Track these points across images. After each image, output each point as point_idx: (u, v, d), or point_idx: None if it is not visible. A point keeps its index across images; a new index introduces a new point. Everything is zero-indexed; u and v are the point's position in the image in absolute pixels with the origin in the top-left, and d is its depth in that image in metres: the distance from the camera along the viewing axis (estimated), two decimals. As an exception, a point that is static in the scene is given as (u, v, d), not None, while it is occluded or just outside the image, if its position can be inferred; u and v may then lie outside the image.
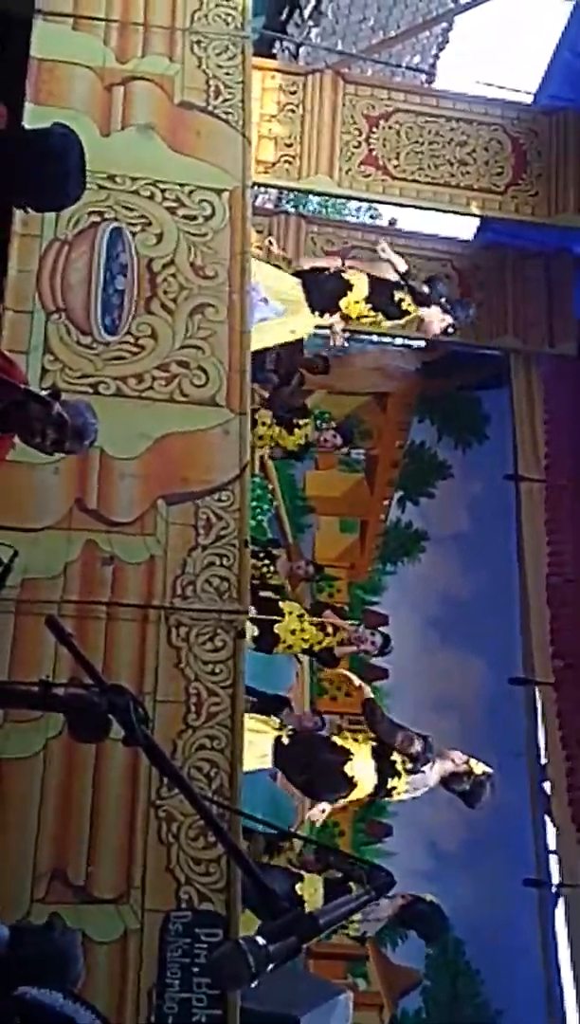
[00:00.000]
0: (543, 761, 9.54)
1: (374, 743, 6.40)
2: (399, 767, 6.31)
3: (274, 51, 11.46)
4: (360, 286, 7.50)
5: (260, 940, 2.06)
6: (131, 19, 5.96)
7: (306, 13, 11.67)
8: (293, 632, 7.83)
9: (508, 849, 9.51)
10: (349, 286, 7.47)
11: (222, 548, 5.12)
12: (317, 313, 7.41)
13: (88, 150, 3.54)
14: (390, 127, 8.60)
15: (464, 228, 10.77)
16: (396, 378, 10.88)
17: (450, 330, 7.83)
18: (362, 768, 6.26)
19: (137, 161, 5.68)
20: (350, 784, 6.27)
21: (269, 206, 11.04)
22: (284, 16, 11.73)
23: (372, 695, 6.90)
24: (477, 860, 9.44)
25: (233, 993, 4.23)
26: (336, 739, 6.53)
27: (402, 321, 7.80)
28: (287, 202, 13.18)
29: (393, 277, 7.55)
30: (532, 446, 10.09)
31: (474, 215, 9.50)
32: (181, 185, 5.72)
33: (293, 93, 8.67)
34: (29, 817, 4.40)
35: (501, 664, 9.80)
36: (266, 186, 9.61)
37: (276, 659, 8.77)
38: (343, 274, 7.51)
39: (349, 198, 11.33)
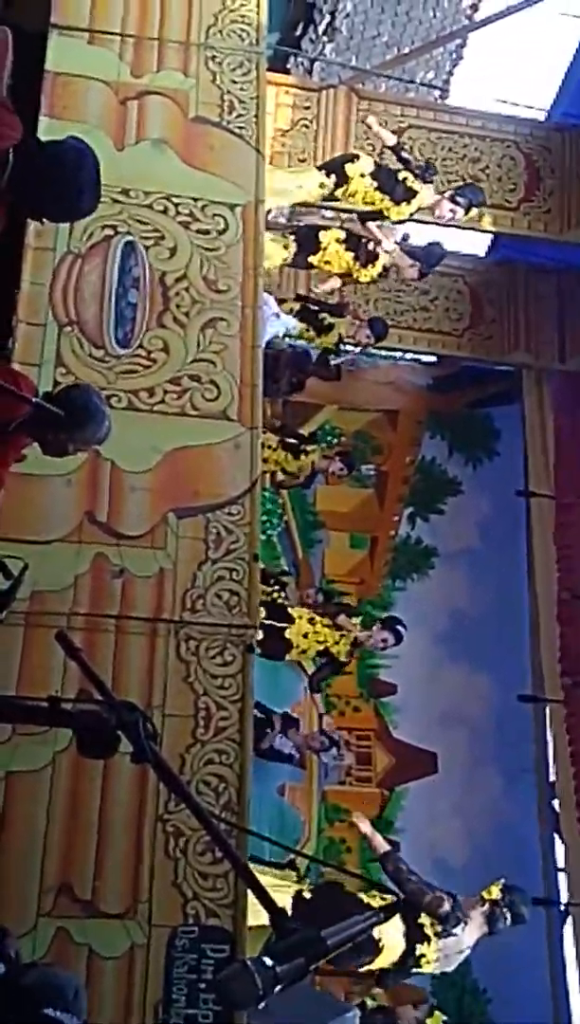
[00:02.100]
0: (552, 778, 9.50)
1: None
2: (428, 930, 5.73)
3: (289, 66, 11.49)
4: (366, 160, 7.72)
5: (268, 961, 2.04)
6: (146, 34, 5.98)
7: (321, 29, 11.70)
8: (305, 636, 7.74)
9: (515, 866, 9.45)
10: (355, 156, 7.74)
11: (232, 562, 5.11)
12: (323, 172, 7.64)
13: (102, 164, 3.55)
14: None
15: (477, 244, 10.78)
16: (407, 393, 10.88)
17: (468, 212, 7.89)
18: (389, 931, 5.62)
19: (151, 175, 5.68)
20: (376, 948, 5.65)
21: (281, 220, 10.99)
22: (299, 32, 11.76)
23: (388, 847, 6.19)
24: (484, 877, 9.36)
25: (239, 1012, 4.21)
26: (362, 895, 5.91)
27: (411, 206, 7.77)
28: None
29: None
30: (543, 462, 10.08)
31: (487, 231, 9.53)
32: (195, 199, 5.72)
33: (307, 108, 8.71)
34: (36, 831, 4.39)
35: (510, 680, 9.77)
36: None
37: (283, 675, 8.77)
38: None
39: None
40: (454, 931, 5.73)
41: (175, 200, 5.68)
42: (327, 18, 11.62)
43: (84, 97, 5.72)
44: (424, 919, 5.71)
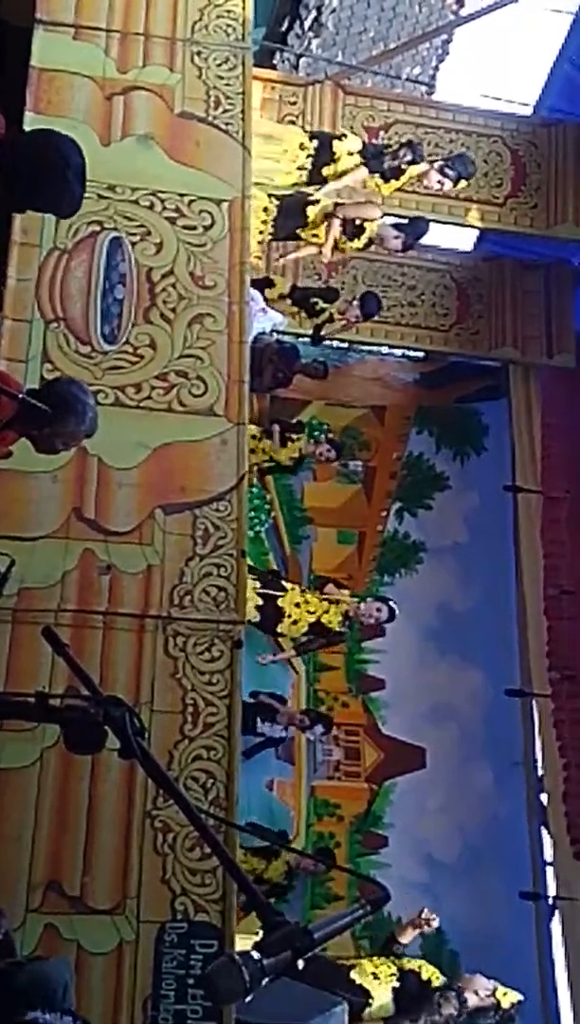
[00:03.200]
0: (540, 772, 9.53)
1: (396, 982, 6.06)
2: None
3: (275, 62, 11.48)
4: (353, 139, 7.65)
5: (255, 954, 2.05)
6: (132, 29, 5.96)
7: (307, 24, 11.69)
8: (297, 605, 7.80)
9: (504, 861, 9.50)
10: (343, 135, 7.67)
11: (220, 558, 5.12)
12: (308, 137, 7.55)
13: (88, 160, 3.55)
14: (390, 138, 8.60)
15: (463, 240, 10.80)
16: (395, 389, 10.88)
17: (457, 183, 7.82)
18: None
19: (137, 171, 5.67)
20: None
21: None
22: (285, 27, 11.75)
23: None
24: (473, 872, 9.42)
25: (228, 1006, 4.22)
26: (354, 974, 6.05)
27: (399, 182, 7.72)
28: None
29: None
30: (530, 457, 10.11)
31: (474, 227, 9.53)
32: (181, 195, 5.72)
33: (293, 104, 8.70)
34: (24, 828, 4.39)
35: (498, 675, 9.79)
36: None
37: (270, 670, 8.78)
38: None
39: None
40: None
41: (161, 196, 5.67)
42: (313, 14, 11.62)
43: (69, 92, 5.70)
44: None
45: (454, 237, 10.72)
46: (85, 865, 4.41)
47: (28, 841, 4.37)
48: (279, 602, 7.75)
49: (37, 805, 4.42)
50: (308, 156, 7.49)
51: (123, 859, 4.47)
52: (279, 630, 7.99)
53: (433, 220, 8.81)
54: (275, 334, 8.25)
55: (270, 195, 7.45)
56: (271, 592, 7.72)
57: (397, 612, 8.04)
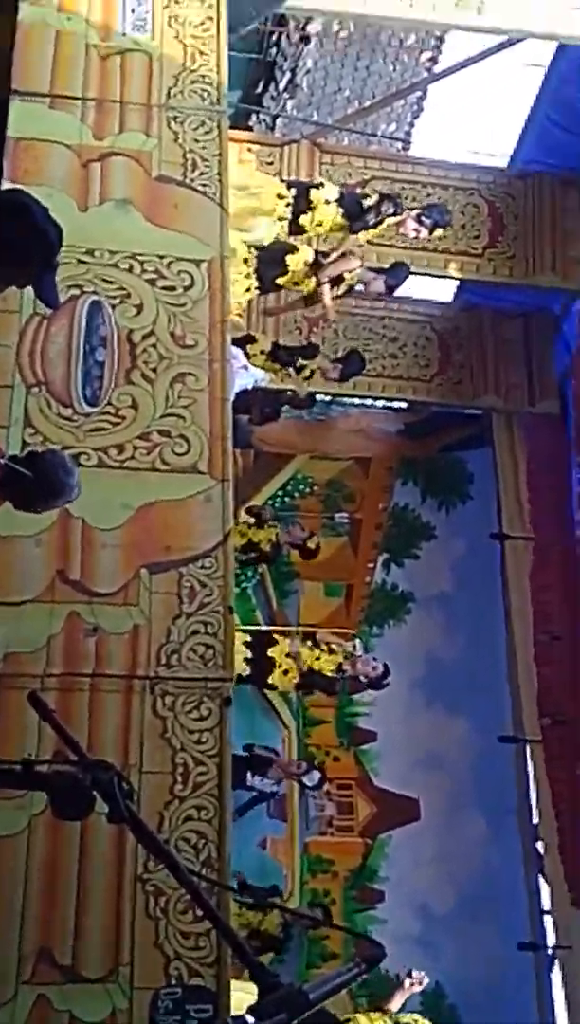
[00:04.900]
0: (535, 820, 9.48)
1: None
2: None
3: (251, 123, 11.65)
4: (330, 187, 7.67)
5: (249, 1019, 2.04)
6: (108, 97, 6.04)
7: (282, 86, 11.87)
8: (288, 654, 7.70)
9: (501, 910, 9.44)
10: (320, 184, 7.70)
11: (206, 615, 5.10)
12: (286, 186, 7.58)
13: (67, 226, 3.56)
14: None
15: (443, 290, 10.92)
16: (378, 440, 10.95)
17: (433, 231, 7.93)
18: None
19: (115, 235, 5.72)
20: None
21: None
22: (260, 89, 11.93)
23: None
24: (470, 923, 9.36)
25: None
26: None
27: (377, 230, 7.74)
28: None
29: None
30: (516, 504, 10.16)
31: (453, 277, 9.65)
32: (160, 257, 5.76)
33: (270, 163, 8.84)
34: (14, 896, 4.34)
35: (490, 723, 9.78)
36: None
37: (259, 724, 8.73)
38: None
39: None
40: None
41: (140, 258, 5.72)
42: (288, 75, 11.80)
43: (47, 160, 5.76)
44: None
45: (434, 288, 10.86)
46: (76, 933, 4.36)
47: (18, 910, 4.31)
48: (270, 652, 7.66)
49: (26, 873, 4.37)
50: (287, 205, 7.54)
51: (115, 925, 4.41)
52: (270, 681, 7.90)
53: (412, 273, 8.93)
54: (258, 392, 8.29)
55: (249, 245, 7.51)
56: (259, 638, 7.62)
57: (390, 676, 7.97)
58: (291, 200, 7.52)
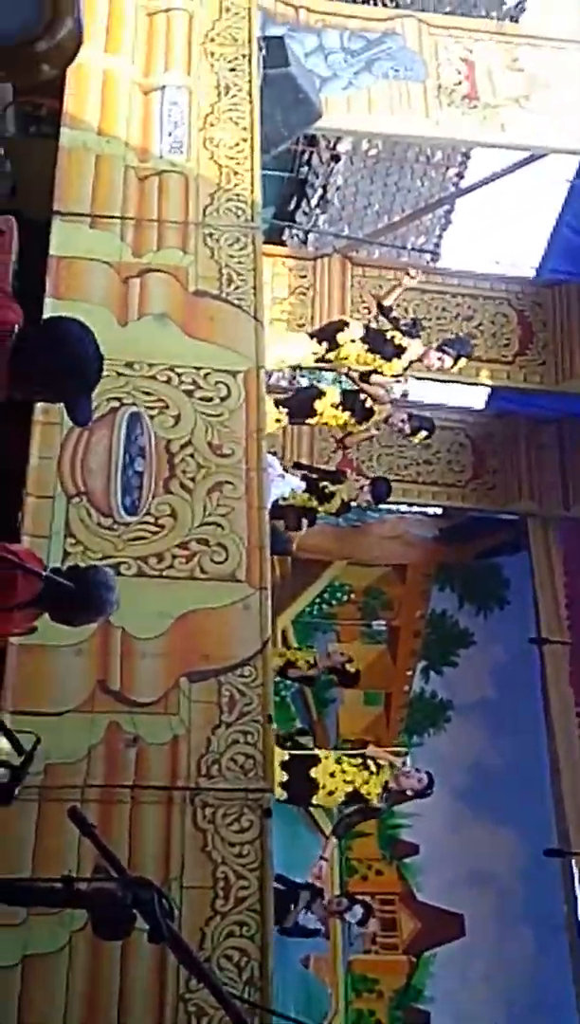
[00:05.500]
0: (584, 936, 9.20)
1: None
2: None
3: (284, 238, 11.94)
4: (355, 326, 7.96)
5: None
6: (146, 216, 6.23)
7: (313, 202, 12.20)
8: (332, 774, 7.38)
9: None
10: (345, 324, 8.00)
11: (246, 725, 5.06)
12: (314, 340, 7.89)
13: (106, 340, 3.63)
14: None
15: (475, 398, 11.01)
16: (415, 546, 10.94)
17: (456, 362, 8.08)
18: None
19: (154, 348, 5.84)
20: None
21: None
22: (292, 205, 12.25)
23: None
24: (521, 1045, 9.03)
25: None
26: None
27: (403, 361, 7.94)
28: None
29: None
30: (554, 608, 10.07)
31: (484, 385, 9.74)
32: (197, 368, 5.87)
33: (303, 277, 9.02)
34: (55, 1014, 4.23)
35: (534, 834, 9.55)
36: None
37: (301, 835, 8.54)
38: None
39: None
40: None
41: (178, 370, 5.83)
42: (319, 191, 12.13)
43: (87, 277, 5.92)
44: None
45: (466, 396, 10.95)
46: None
47: (58, 1029, 4.22)
48: (312, 772, 7.35)
49: (68, 992, 4.27)
50: (317, 360, 7.96)
51: (156, 1046, 4.30)
52: (314, 801, 7.59)
53: (444, 380, 9.07)
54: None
55: (277, 403, 7.80)
56: (301, 757, 7.41)
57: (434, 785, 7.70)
58: (323, 352, 7.87)
